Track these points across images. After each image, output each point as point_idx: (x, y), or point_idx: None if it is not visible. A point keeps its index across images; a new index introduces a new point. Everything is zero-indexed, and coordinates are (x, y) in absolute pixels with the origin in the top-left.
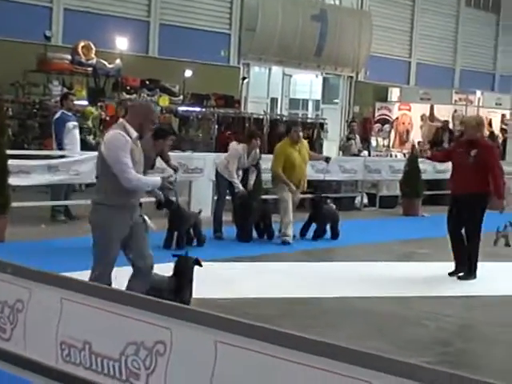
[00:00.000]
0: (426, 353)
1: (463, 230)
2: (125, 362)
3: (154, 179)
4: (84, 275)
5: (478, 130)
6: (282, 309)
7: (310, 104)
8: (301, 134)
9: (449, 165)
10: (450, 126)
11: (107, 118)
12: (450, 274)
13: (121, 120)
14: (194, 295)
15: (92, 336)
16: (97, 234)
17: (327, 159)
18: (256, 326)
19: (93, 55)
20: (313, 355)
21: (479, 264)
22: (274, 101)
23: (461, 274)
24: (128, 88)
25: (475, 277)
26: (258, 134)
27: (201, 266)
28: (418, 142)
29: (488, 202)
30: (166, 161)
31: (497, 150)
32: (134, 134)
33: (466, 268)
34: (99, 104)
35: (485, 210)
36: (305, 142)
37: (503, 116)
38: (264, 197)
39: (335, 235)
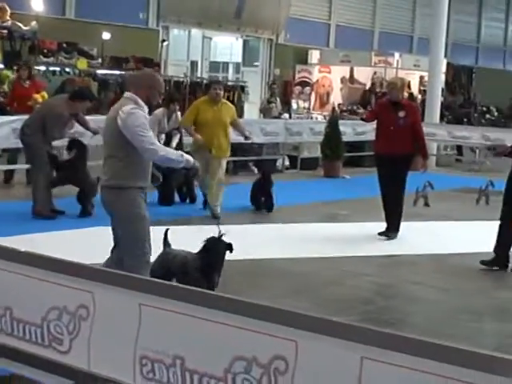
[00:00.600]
0: (348, 311)
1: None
2: (47, 328)
3: (187, 156)
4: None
5: (403, 92)
6: None
7: (231, 67)
8: (221, 93)
9: (368, 126)
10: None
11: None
12: (380, 234)
13: (128, 94)
14: None
15: (13, 302)
16: (127, 218)
17: (246, 138)
18: (178, 287)
19: (8, 17)
20: (231, 314)
21: (401, 224)
22: (194, 64)
23: (388, 234)
24: (45, 51)
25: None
26: (176, 97)
27: (231, 251)
28: (339, 104)
29: (412, 162)
30: (83, 124)
31: (419, 111)
32: (145, 107)
33: (393, 227)
34: (15, 67)
35: (409, 170)
36: (231, 106)
37: (421, 78)
38: None
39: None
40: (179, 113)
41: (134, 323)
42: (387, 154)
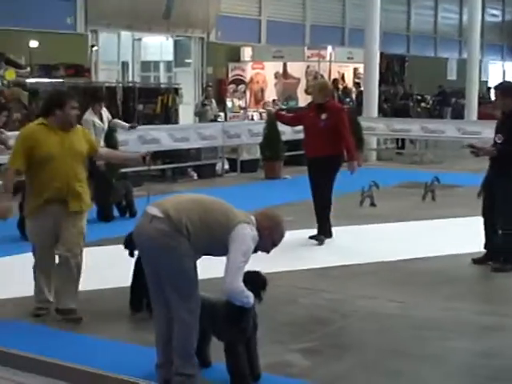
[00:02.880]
0: (307, 337)
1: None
2: None
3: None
4: None
5: (324, 95)
6: None
7: (162, 66)
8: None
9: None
10: (303, 82)
11: None
12: (311, 238)
13: (252, 217)
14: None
15: None
16: (183, 263)
17: (131, 127)
18: None
19: None
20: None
21: (347, 228)
22: (125, 65)
23: (317, 237)
24: None
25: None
26: (98, 97)
27: (264, 290)
28: (273, 100)
29: (340, 163)
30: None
31: (346, 112)
32: None
33: (322, 231)
34: None
35: (337, 171)
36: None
37: (355, 70)
38: (124, 170)
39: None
40: (107, 113)
41: None
42: (312, 157)
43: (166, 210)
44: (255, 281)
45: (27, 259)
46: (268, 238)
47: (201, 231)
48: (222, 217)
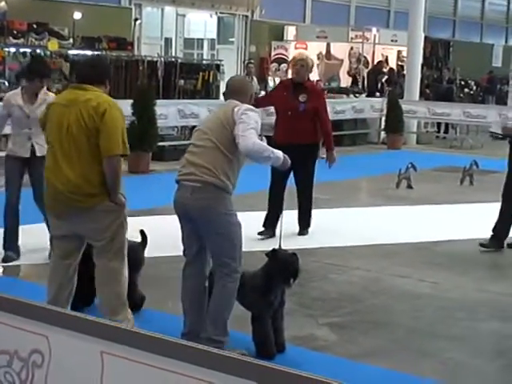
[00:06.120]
0: (336, 312)
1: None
2: None
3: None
4: None
5: (307, 72)
6: None
7: (205, 43)
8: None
9: (349, 105)
10: (346, 64)
11: None
12: (260, 233)
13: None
14: None
15: None
16: (229, 224)
17: None
18: (146, 334)
19: None
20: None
21: (383, 208)
22: (168, 41)
23: (301, 232)
24: (15, 32)
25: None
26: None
27: (295, 279)
28: (317, 81)
29: (318, 153)
30: None
31: (324, 95)
32: None
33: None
34: None
35: (316, 159)
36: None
37: (399, 52)
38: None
39: None
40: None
41: (95, 373)
42: (286, 144)
43: (200, 176)
44: (289, 262)
45: None
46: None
47: (228, 169)
48: (222, 129)
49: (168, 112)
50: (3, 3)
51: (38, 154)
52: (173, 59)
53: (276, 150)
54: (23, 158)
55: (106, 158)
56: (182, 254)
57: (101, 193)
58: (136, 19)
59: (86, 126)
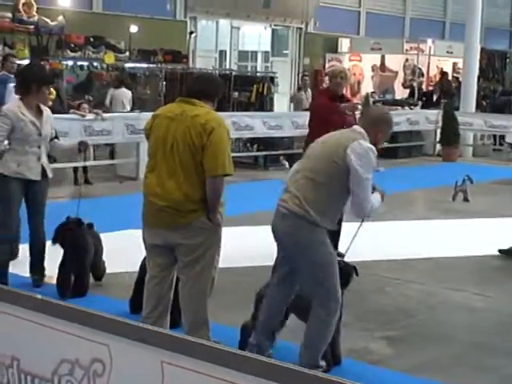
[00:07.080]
0: (391, 325)
1: None
2: (58, 383)
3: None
4: None
5: (346, 84)
6: None
7: (260, 56)
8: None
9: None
10: (401, 76)
11: None
12: None
13: (358, 128)
14: None
15: (21, 351)
16: (323, 262)
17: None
18: (201, 344)
19: (34, 13)
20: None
21: (439, 221)
22: (222, 54)
23: None
24: (72, 45)
25: None
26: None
27: (347, 285)
28: (372, 93)
29: None
30: None
31: None
32: None
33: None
34: (42, 63)
35: None
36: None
37: (454, 64)
38: None
39: None
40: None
41: (155, 383)
42: None
43: (289, 204)
44: (341, 271)
45: None
46: (382, 139)
47: (322, 203)
48: (329, 161)
49: None
50: (61, 17)
51: (50, 175)
52: (227, 72)
53: (375, 195)
54: (28, 180)
55: (210, 177)
56: (238, 266)
57: (200, 208)
58: (191, 32)
59: (192, 144)
